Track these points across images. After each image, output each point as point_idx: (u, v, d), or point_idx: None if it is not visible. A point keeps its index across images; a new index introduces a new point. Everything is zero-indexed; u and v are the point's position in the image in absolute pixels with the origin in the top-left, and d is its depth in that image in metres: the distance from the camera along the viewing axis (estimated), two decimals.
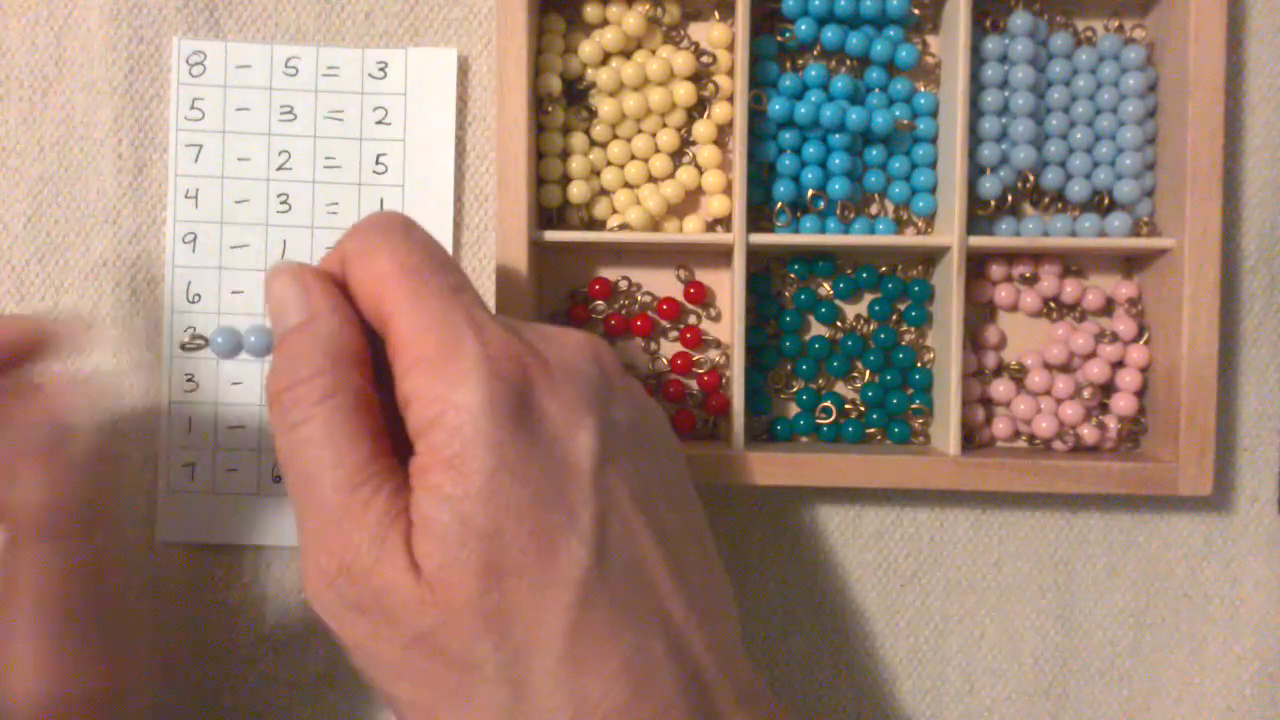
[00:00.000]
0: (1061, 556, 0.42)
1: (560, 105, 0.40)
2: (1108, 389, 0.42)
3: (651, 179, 0.41)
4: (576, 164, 0.41)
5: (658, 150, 0.41)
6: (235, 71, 0.41)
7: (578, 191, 0.41)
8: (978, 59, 0.41)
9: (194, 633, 0.42)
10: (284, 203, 0.41)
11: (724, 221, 0.41)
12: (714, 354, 0.42)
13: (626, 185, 0.41)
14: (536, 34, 0.40)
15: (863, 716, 0.42)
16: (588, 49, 0.40)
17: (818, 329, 0.42)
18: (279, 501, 0.41)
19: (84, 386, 0.33)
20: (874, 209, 0.42)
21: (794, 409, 0.42)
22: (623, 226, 0.41)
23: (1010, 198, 0.41)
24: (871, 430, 0.42)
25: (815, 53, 0.42)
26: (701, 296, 0.42)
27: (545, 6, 0.41)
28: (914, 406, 0.42)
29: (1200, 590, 0.42)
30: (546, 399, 0.28)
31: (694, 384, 0.42)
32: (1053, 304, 0.42)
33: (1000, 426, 0.41)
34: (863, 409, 0.42)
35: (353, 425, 0.28)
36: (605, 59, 0.41)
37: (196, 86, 0.41)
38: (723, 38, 0.41)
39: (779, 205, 0.41)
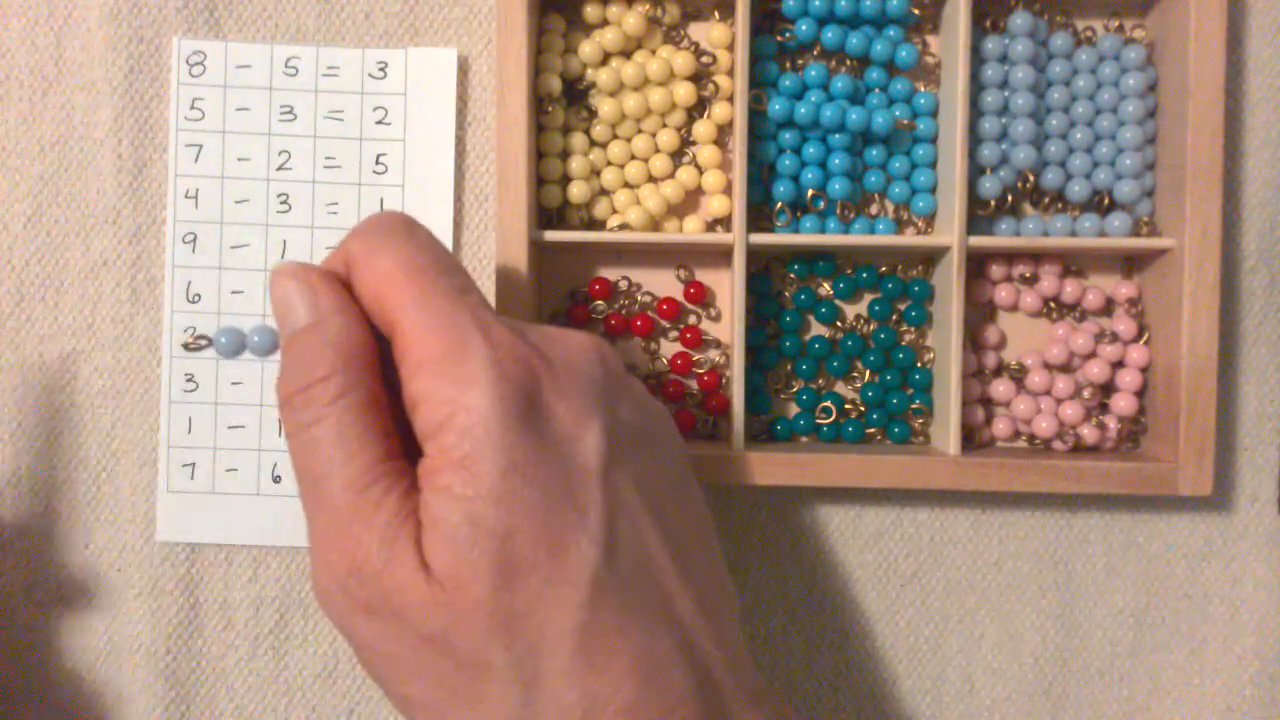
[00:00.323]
0: (1061, 556, 0.42)
1: (560, 105, 0.40)
2: (1108, 389, 0.42)
3: (651, 179, 0.41)
4: (576, 164, 0.41)
5: (658, 150, 0.41)
6: (235, 71, 0.41)
7: (578, 191, 0.41)
8: (978, 59, 0.41)
9: (194, 633, 0.42)
10: (284, 203, 0.41)
11: (724, 221, 0.41)
12: (714, 354, 0.42)
13: (626, 185, 0.41)
14: (536, 34, 0.40)
15: (863, 716, 0.42)
16: (588, 49, 0.40)
17: (818, 329, 0.42)
18: (279, 501, 0.41)
19: None
20: (874, 209, 0.42)
21: (794, 409, 0.42)
22: (623, 226, 0.41)
23: (1010, 198, 0.41)
24: (871, 430, 0.42)
25: (815, 53, 0.42)
26: (701, 296, 0.42)
27: (545, 6, 0.41)
28: (914, 406, 0.42)
29: (1200, 590, 0.42)
30: (554, 400, 0.28)
31: (694, 384, 0.42)
32: (1053, 304, 0.42)
33: (1000, 426, 0.41)
34: (863, 409, 0.42)
35: (363, 426, 0.28)
36: (605, 59, 0.41)
37: (196, 86, 0.41)
38: (723, 38, 0.41)
39: (779, 205, 0.41)
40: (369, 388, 0.29)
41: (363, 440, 0.28)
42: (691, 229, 0.41)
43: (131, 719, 0.41)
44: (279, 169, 0.41)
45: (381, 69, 0.41)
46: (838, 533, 0.42)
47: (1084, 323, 0.42)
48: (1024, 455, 0.40)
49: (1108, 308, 0.42)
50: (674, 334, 0.42)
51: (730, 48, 0.41)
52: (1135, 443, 0.42)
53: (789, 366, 0.42)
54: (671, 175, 0.41)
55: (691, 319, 0.42)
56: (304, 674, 0.42)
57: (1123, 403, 0.41)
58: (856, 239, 0.40)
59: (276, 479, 0.41)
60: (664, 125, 0.41)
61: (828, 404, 0.42)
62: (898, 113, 0.41)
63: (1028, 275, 0.42)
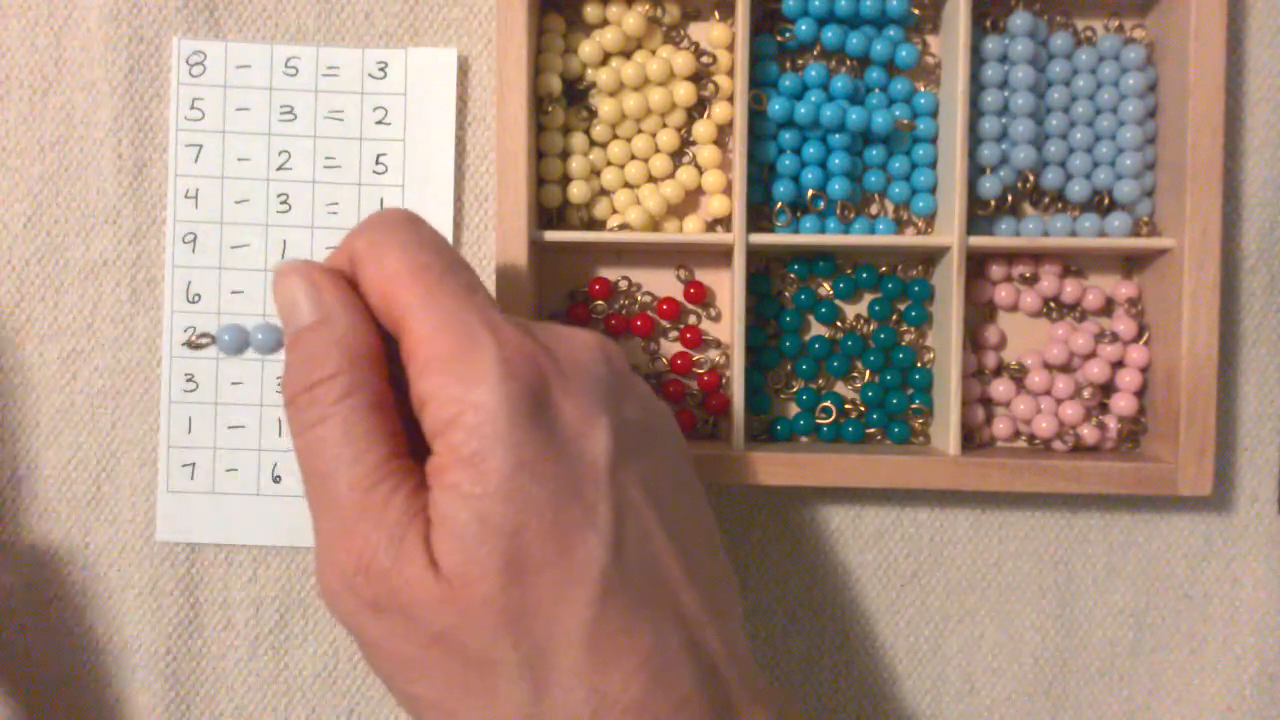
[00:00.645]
0: (1061, 556, 0.42)
1: (560, 105, 0.40)
2: (1108, 389, 0.42)
3: (651, 179, 0.41)
4: (576, 164, 0.41)
5: (658, 150, 0.41)
6: (235, 71, 0.41)
7: (578, 191, 0.41)
8: (978, 59, 0.41)
9: (194, 633, 0.42)
10: (284, 203, 0.41)
11: (724, 221, 0.41)
12: (714, 354, 0.42)
13: (626, 185, 0.41)
14: (536, 34, 0.40)
15: (863, 716, 0.42)
16: (588, 49, 0.40)
17: (818, 329, 0.42)
18: (279, 501, 0.41)
19: None
20: (874, 209, 0.42)
21: (794, 409, 0.42)
22: (623, 226, 0.41)
23: (1010, 198, 0.41)
24: (871, 430, 0.42)
25: (815, 53, 0.42)
26: (701, 296, 0.42)
27: (545, 6, 0.41)
28: (914, 406, 0.42)
29: (1200, 590, 0.42)
30: (561, 398, 0.28)
31: (694, 384, 0.42)
32: (1053, 304, 0.42)
33: (1000, 426, 0.41)
34: (863, 409, 0.42)
35: (371, 424, 0.28)
36: (605, 59, 0.41)
37: (196, 86, 0.41)
38: (723, 38, 0.41)
39: (779, 205, 0.41)
40: (375, 386, 0.29)
41: (370, 439, 0.28)
42: (691, 229, 0.41)
43: (131, 719, 0.42)
44: (279, 169, 0.41)
45: (381, 69, 0.41)
46: (838, 533, 0.42)
47: (1084, 323, 0.42)
48: (1024, 455, 0.40)
49: (1108, 308, 0.42)
50: (674, 334, 0.42)
51: (730, 48, 0.41)
52: (1135, 443, 0.42)
53: (789, 366, 0.42)
54: (671, 175, 0.41)
55: (691, 319, 0.42)
56: (304, 674, 0.42)
57: (1123, 403, 0.41)
58: (856, 239, 0.40)
59: (276, 479, 0.41)
60: (664, 125, 0.41)
61: (828, 404, 0.42)
62: (898, 113, 0.41)
63: (1028, 275, 0.42)
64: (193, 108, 0.41)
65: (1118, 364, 0.41)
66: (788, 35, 0.41)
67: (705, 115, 0.41)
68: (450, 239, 0.41)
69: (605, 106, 0.41)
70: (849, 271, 0.42)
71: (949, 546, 0.42)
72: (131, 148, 0.41)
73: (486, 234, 0.42)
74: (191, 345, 0.33)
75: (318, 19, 0.41)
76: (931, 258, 0.42)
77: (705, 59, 0.41)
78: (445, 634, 0.27)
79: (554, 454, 0.27)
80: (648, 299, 0.42)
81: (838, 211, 0.41)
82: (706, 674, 0.28)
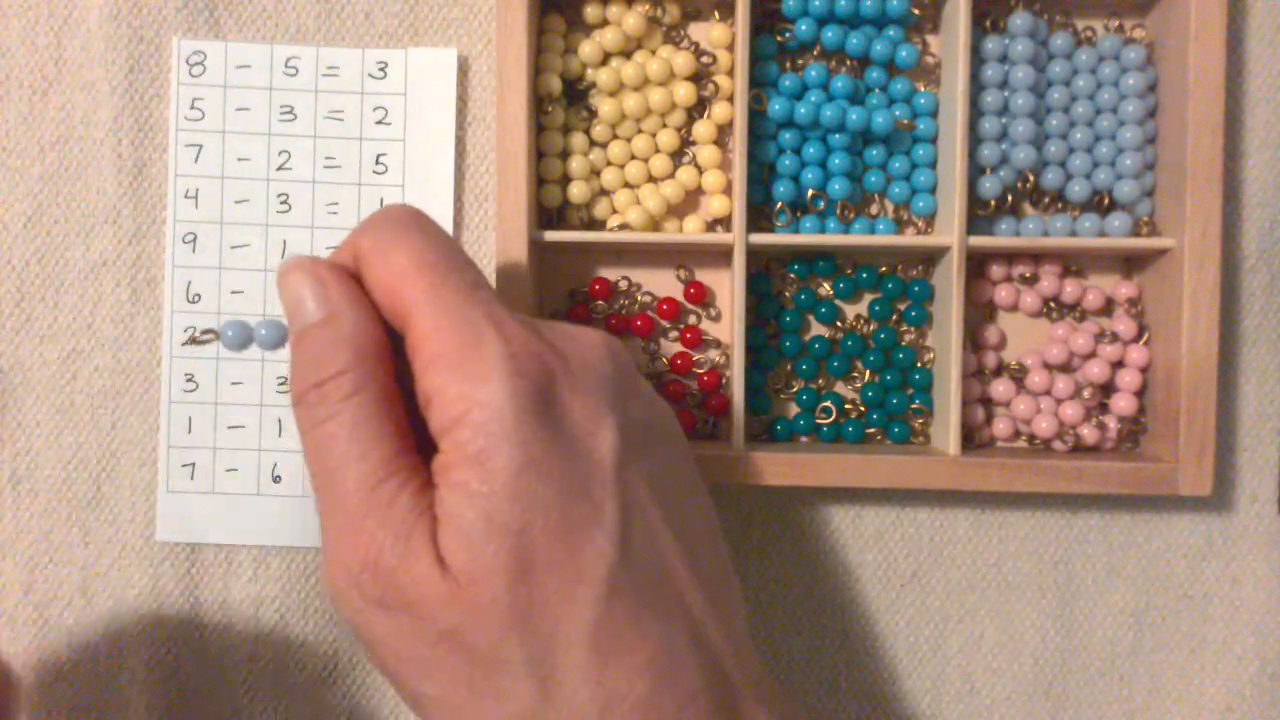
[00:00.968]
0: (1061, 556, 0.42)
1: (560, 105, 0.40)
2: (1108, 389, 0.42)
3: (651, 179, 0.41)
4: (576, 164, 0.41)
5: (658, 150, 0.41)
6: (235, 71, 0.41)
7: (578, 191, 0.41)
8: (978, 59, 0.41)
9: (194, 633, 0.42)
10: (284, 203, 0.41)
11: (724, 221, 0.41)
12: (714, 354, 0.42)
13: (626, 185, 0.41)
14: (536, 34, 0.40)
15: (863, 716, 0.42)
16: (588, 49, 0.40)
17: (818, 329, 0.42)
18: (279, 501, 0.41)
19: None
20: (874, 209, 0.42)
21: (794, 409, 0.42)
22: (623, 226, 0.41)
23: (1010, 198, 0.41)
24: (871, 430, 0.42)
25: (815, 53, 0.42)
26: (701, 296, 0.42)
27: (545, 6, 0.41)
28: (914, 406, 0.42)
29: (1200, 590, 0.42)
30: (568, 396, 0.28)
31: (694, 384, 0.42)
32: (1053, 304, 0.42)
33: (1000, 426, 0.41)
34: (863, 409, 0.42)
35: (378, 421, 0.28)
36: (605, 59, 0.41)
37: (196, 86, 0.41)
38: (723, 38, 0.41)
39: (779, 205, 0.41)
40: (383, 383, 0.29)
41: (377, 435, 0.28)
42: (691, 229, 0.41)
43: (132, 719, 0.41)
44: (279, 169, 0.41)
45: (381, 69, 0.41)
46: (838, 533, 0.42)
47: (1084, 323, 0.42)
48: (1024, 455, 0.40)
49: (1108, 308, 0.42)
50: (674, 334, 0.42)
51: (730, 48, 0.41)
52: (1135, 443, 0.42)
53: (789, 366, 0.42)
54: (671, 175, 0.41)
55: (691, 319, 0.42)
56: (304, 674, 0.42)
57: (1123, 403, 0.41)
58: (856, 239, 0.40)
59: (276, 479, 0.41)
60: (664, 125, 0.41)
61: (828, 404, 0.42)
62: (898, 113, 0.41)
63: (1028, 275, 0.42)
64: (193, 108, 0.41)
65: (1118, 364, 0.41)
66: (788, 35, 0.41)
67: (705, 115, 0.41)
68: None
69: (605, 106, 0.41)
70: (849, 271, 0.42)
71: (949, 546, 0.42)
72: (131, 148, 0.41)
73: (486, 234, 0.42)
74: (194, 341, 0.33)
75: (318, 19, 0.41)
76: (931, 258, 0.42)
77: (705, 59, 0.41)
78: (452, 632, 0.27)
79: (561, 452, 0.27)
80: (648, 299, 0.42)
81: (838, 211, 0.41)
82: (712, 672, 0.28)
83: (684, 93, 0.40)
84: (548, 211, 0.41)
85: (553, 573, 0.27)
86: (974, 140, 0.41)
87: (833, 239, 0.40)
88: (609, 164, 0.41)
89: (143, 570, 0.41)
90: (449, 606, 0.26)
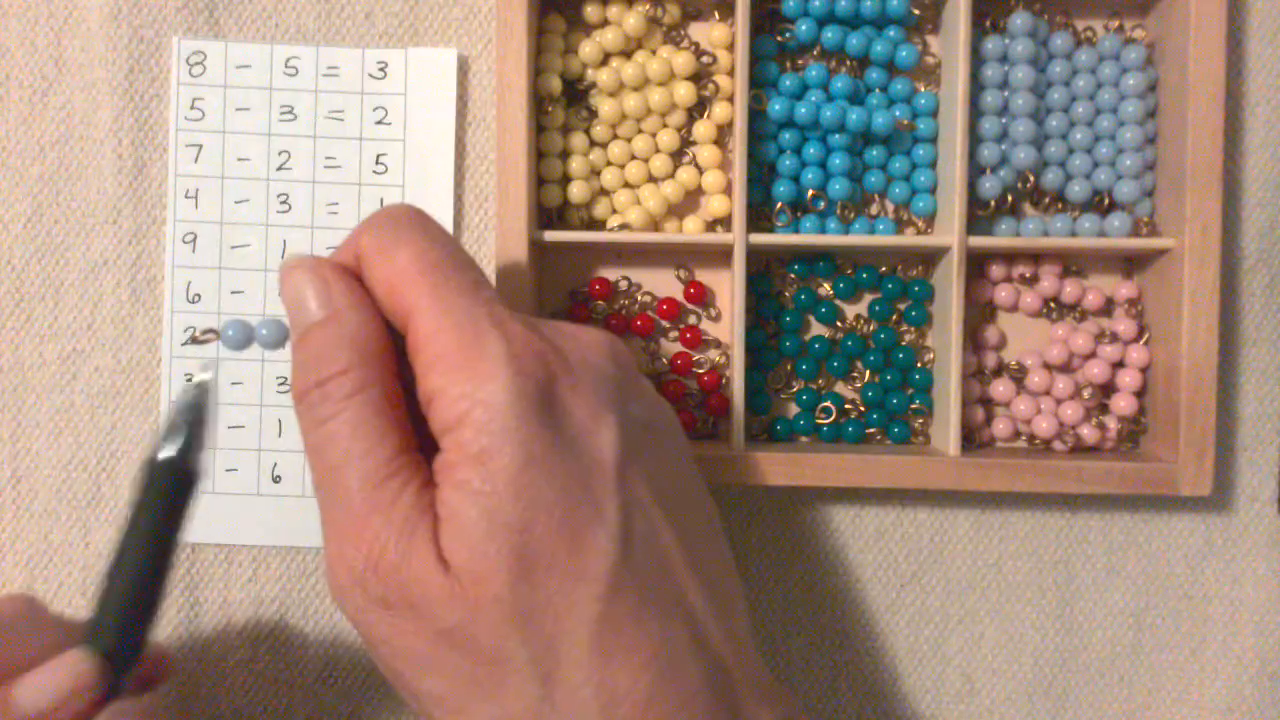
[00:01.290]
0: (1061, 556, 0.42)
1: (560, 105, 0.40)
2: (1108, 389, 0.42)
3: (651, 179, 0.41)
4: (576, 164, 0.41)
5: (658, 150, 0.41)
6: (235, 71, 0.41)
7: (578, 191, 0.41)
8: (978, 59, 0.41)
9: (194, 633, 0.41)
10: (284, 203, 0.41)
11: (724, 221, 0.41)
12: (714, 354, 0.42)
13: (626, 185, 0.41)
14: (536, 34, 0.40)
15: (863, 716, 0.42)
16: (588, 49, 0.40)
17: (818, 329, 0.42)
18: (279, 501, 0.41)
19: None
20: (874, 209, 0.42)
21: (794, 409, 0.42)
22: (623, 226, 0.41)
23: (1010, 198, 0.41)
24: (871, 430, 0.42)
25: (815, 53, 0.42)
26: (701, 296, 0.42)
27: (545, 6, 0.41)
28: (914, 406, 0.42)
29: (1200, 590, 0.42)
30: (569, 395, 0.28)
31: (694, 384, 0.42)
32: (1053, 304, 0.42)
33: (1000, 426, 0.41)
34: (863, 409, 0.42)
35: (380, 420, 0.28)
36: (605, 59, 0.41)
37: (196, 86, 0.41)
38: (723, 38, 0.41)
39: (779, 205, 0.41)
40: (385, 382, 0.29)
41: (380, 435, 0.28)
42: (691, 229, 0.41)
43: None
44: (279, 169, 0.41)
45: (381, 69, 0.41)
46: (838, 533, 0.42)
47: (1084, 323, 0.42)
48: (1024, 455, 0.40)
49: (1108, 308, 0.42)
50: (674, 334, 0.42)
51: (730, 48, 0.41)
52: (1135, 443, 0.42)
53: (789, 366, 0.42)
54: (671, 175, 0.41)
55: (691, 319, 0.42)
56: (304, 674, 0.42)
57: (1123, 403, 0.41)
58: (856, 239, 0.40)
59: (276, 479, 0.41)
60: (664, 125, 0.41)
61: (828, 404, 0.42)
62: (898, 113, 0.41)
63: (1028, 275, 0.42)
64: (193, 108, 0.41)
65: (1118, 364, 0.41)
66: (788, 35, 0.41)
67: (705, 115, 0.41)
68: None
69: (605, 106, 0.41)
70: (849, 271, 0.42)
71: (949, 546, 0.42)
72: (131, 148, 0.41)
73: (486, 234, 0.42)
74: (195, 341, 0.33)
75: (318, 19, 0.41)
76: (931, 258, 0.42)
77: (705, 59, 0.41)
78: (454, 630, 0.27)
79: (562, 451, 0.27)
80: (648, 299, 0.42)
81: (838, 211, 0.41)
82: (713, 670, 0.28)
83: (684, 93, 0.40)
84: (548, 211, 0.41)
85: (554, 571, 0.27)
86: (974, 140, 0.41)
87: (833, 239, 0.40)
88: (609, 164, 0.41)
89: None
90: (451, 605, 0.26)
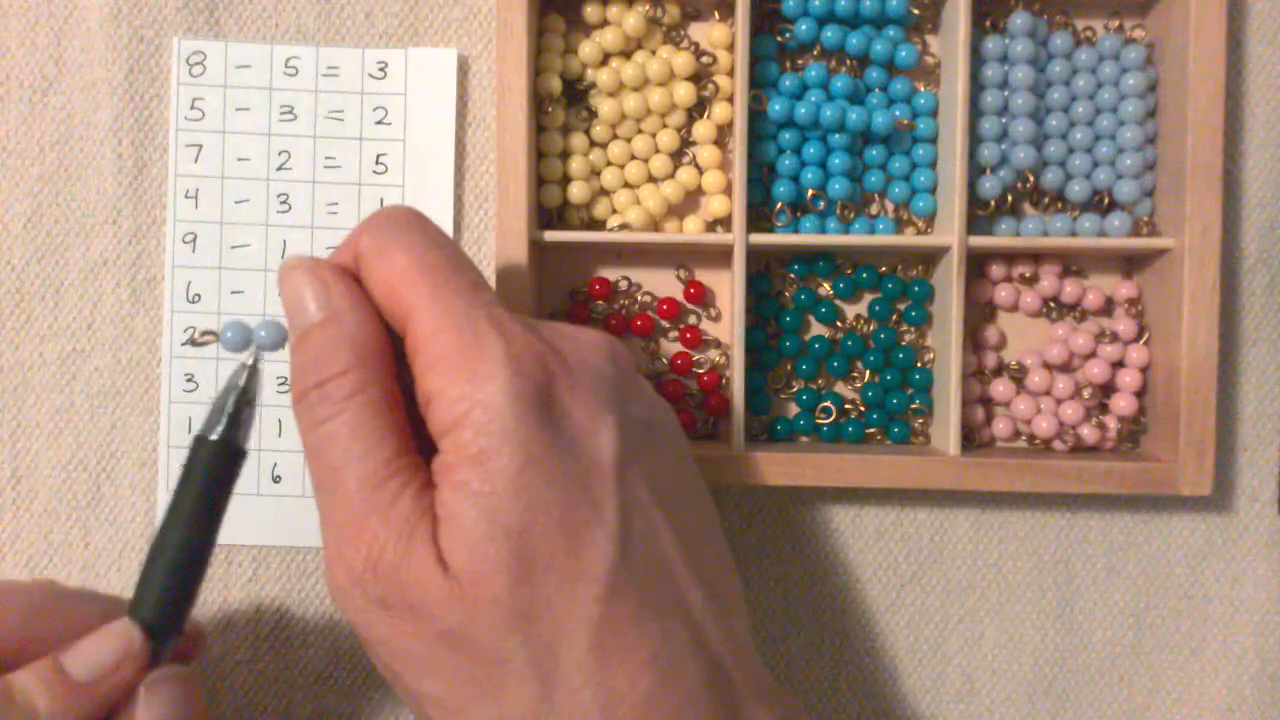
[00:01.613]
0: (1061, 556, 0.42)
1: (560, 105, 0.40)
2: (1108, 389, 0.42)
3: (651, 179, 0.41)
4: (576, 164, 0.41)
5: (658, 150, 0.41)
6: (235, 71, 0.41)
7: (578, 191, 0.41)
8: (978, 59, 0.41)
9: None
10: (284, 203, 0.41)
11: (724, 221, 0.41)
12: (714, 354, 0.42)
13: (626, 185, 0.41)
14: (536, 34, 0.40)
15: (863, 716, 0.42)
16: (588, 49, 0.40)
17: (818, 329, 0.42)
18: (279, 501, 0.41)
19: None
20: (874, 209, 0.42)
21: (794, 409, 0.42)
22: (623, 226, 0.41)
23: (1010, 198, 0.41)
24: (871, 430, 0.42)
25: (815, 53, 0.42)
26: (701, 296, 0.42)
27: (545, 6, 0.41)
28: (914, 406, 0.42)
29: (1200, 590, 0.42)
30: (568, 396, 0.28)
31: (694, 384, 0.42)
32: (1053, 304, 0.42)
33: (1000, 426, 0.41)
34: (863, 409, 0.42)
35: (379, 421, 0.28)
36: (605, 59, 0.41)
37: (196, 86, 0.41)
38: (723, 38, 0.41)
39: (779, 205, 0.41)
40: (384, 383, 0.29)
41: (379, 436, 0.28)
42: (691, 229, 0.41)
43: None
44: (279, 169, 0.41)
45: (381, 69, 0.41)
46: (838, 533, 0.42)
47: (1084, 323, 0.42)
48: (1024, 455, 0.40)
49: (1108, 308, 0.42)
50: (674, 334, 0.42)
51: (730, 48, 0.41)
52: (1135, 443, 0.42)
53: (789, 366, 0.42)
54: (671, 175, 0.41)
55: (691, 319, 0.42)
56: (305, 674, 0.42)
57: (1123, 403, 0.41)
58: (856, 239, 0.40)
59: (276, 479, 0.41)
60: (664, 125, 0.41)
61: (828, 404, 0.42)
62: (898, 113, 0.41)
63: (1028, 275, 0.42)
64: (193, 108, 0.41)
65: (1118, 364, 0.41)
66: (788, 35, 0.41)
67: (705, 115, 0.41)
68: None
69: (605, 107, 0.41)
70: (849, 271, 0.42)
71: (949, 546, 0.42)
72: (131, 148, 0.41)
73: (486, 234, 0.42)
74: (194, 343, 0.33)
75: (318, 19, 0.41)
76: (931, 258, 0.42)
77: (705, 59, 0.41)
78: (453, 631, 0.27)
79: (561, 452, 0.27)
80: (648, 299, 0.42)
81: (838, 211, 0.41)
82: (713, 671, 0.28)
83: (684, 93, 0.40)
84: (548, 212, 0.41)
85: (554, 572, 0.27)
86: (974, 140, 0.41)
87: (833, 239, 0.40)
88: (609, 164, 0.41)
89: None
90: (450, 606, 0.26)
